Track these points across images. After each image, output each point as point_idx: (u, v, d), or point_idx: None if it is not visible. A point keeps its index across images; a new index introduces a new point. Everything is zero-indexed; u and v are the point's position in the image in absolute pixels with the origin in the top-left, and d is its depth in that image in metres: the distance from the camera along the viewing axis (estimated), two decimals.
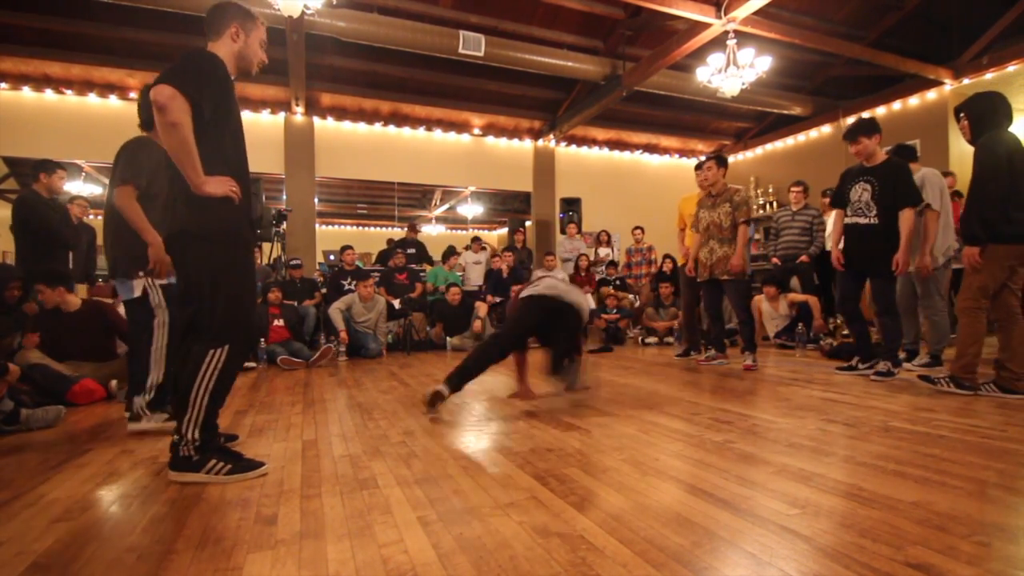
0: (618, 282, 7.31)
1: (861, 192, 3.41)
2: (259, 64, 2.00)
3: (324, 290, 6.25)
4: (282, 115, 8.05)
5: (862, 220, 3.40)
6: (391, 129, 8.79)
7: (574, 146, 10.13)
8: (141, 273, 2.51)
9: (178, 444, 1.77)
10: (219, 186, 1.72)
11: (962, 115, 2.93)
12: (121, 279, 2.57)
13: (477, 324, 6.04)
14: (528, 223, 10.12)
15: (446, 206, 12.70)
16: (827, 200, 5.84)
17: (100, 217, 2.73)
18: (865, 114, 8.42)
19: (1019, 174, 2.70)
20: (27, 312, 3.58)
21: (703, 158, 4.29)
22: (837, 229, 3.65)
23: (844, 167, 3.71)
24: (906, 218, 3.27)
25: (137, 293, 2.54)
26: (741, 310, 4.08)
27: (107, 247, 2.58)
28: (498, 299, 6.52)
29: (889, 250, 3.28)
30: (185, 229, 1.76)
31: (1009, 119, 2.82)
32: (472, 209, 12.43)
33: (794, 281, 5.69)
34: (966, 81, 7.21)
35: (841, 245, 3.61)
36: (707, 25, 5.90)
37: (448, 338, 6.12)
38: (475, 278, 7.49)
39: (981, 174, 2.77)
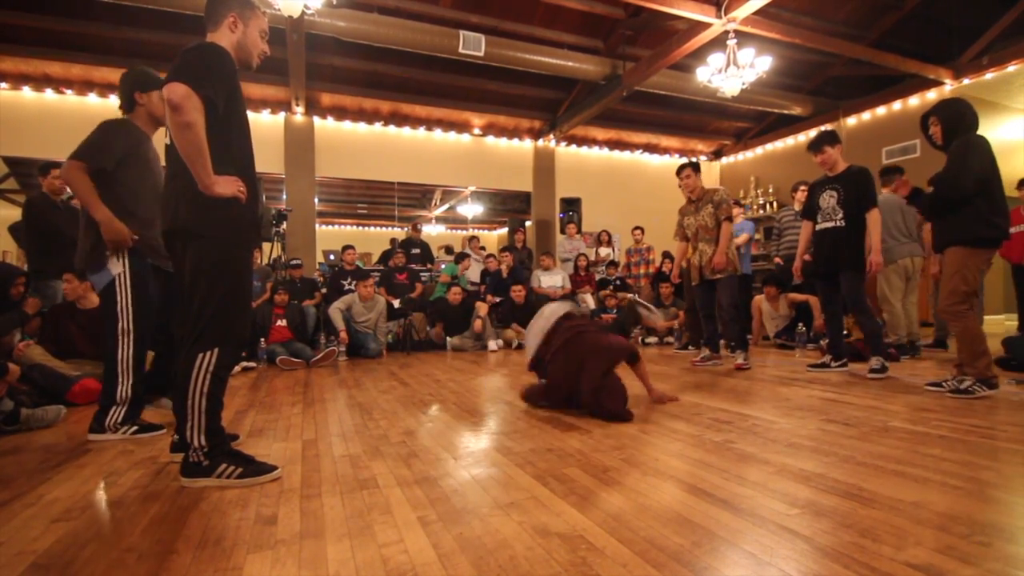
0: (618, 282, 7.31)
1: (828, 199, 3.65)
2: (260, 55, 1.94)
3: (324, 290, 6.25)
4: (282, 115, 8.05)
5: (830, 224, 3.63)
6: (391, 129, 8.79)
7: (574, 146, 10.14)
8: (108, 252, 2.34)
9: (187, 451, 1.75)
10: (228, 186, 1.71)
11: (932, 120, 2.97)
12: (96, 269, 2.40)
13: (478, 324, 6.04)
14: (528, 223, 10.13)
15: (446, 206, 12.71)
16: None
17: None
18: (865, 115, 8.45)
19: (997, 178, 2.79)
20: (27, 310, 3.58)
21: (678, 168, 4.33)
22: (804, 240, 3.90)
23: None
24: (872, 218, 3.49)
25: (116, 270, 2.34)
26: (729, 308, 4.06)
27: (80, 237, 2.42)
28: (498, 299, 6.53)
29: (855, 248, 3.50)
30: (187, 227, 1.73)
31: (977, 123, 2.89)
32: (472, 209, 12.44)
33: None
34: (966, 81, 7.22)
35: (807, 257, 3.95)
36: (707, 25, 5.91)
37: (448, 338, 6.12)
38: (472, 276, 7.50)
39: (984, 174, 2.76)
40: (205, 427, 1.74)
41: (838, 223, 3.58)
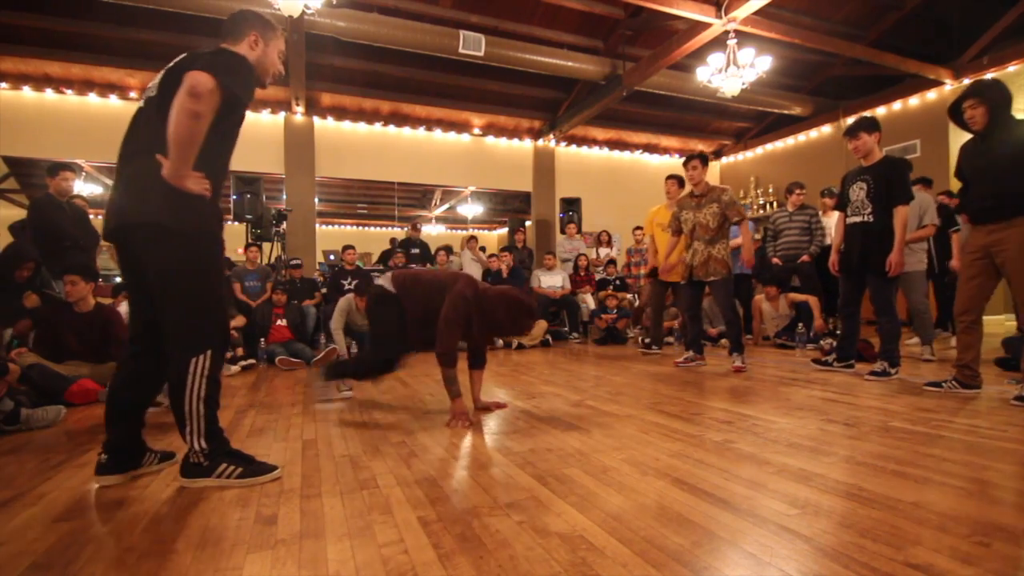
0: (618, 282, 7.31)
1: (858, 191, 3.42)
2: (275, 75, 1.96)
3: (324, 290, 6.25)
4: (282, 115, 8.05)
5: (858, 219, 3.42)
6: (391, 129, 8.79)
7: (574, 146, 10.13)
8: None
9: (187, 453, 1.74)
10: (197, 183, 1.65)
11: (972, 102, 2.79)
12: None
13: None
14: (528, 223, 10.13)
15: (446, 206, 12.71)
16: (827, 200, 5.87)
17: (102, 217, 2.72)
18: (866, 115, 8.44)
19: None
20: (26, 305, 3.57)
21: (685, 157, 4.26)
22: (838, 233, 3.64)
23: (844, 167, 3.71)
24: (899, 216, 3.26)
25: None
26: (728, 310, 4.03)
27: None
28: None
29: (884, 249, 3.27)
30: (160, 222, 1.64)
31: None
32: (472, 209, 12.44)
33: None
34: (966, 81, 7.21)
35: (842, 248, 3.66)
36: (707, 25, 5.91)
37: None
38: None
39: None
40: (205, 430, 1.72)
41: (866, 218, 3.36)
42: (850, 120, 8.62)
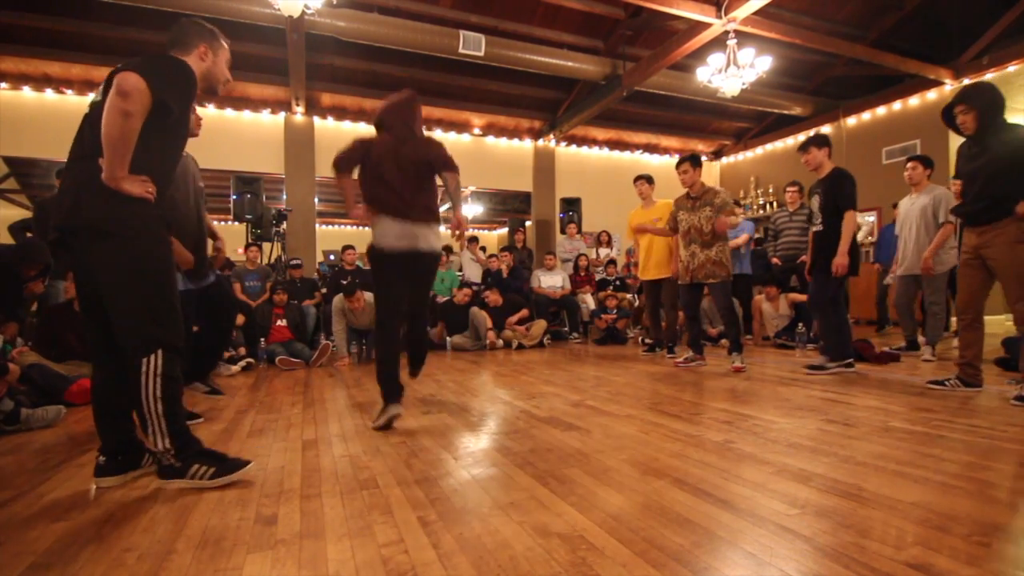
0: (618, 282, 7.31)
1: (815, 202, 3.72)
2: (225, 83, 1.99)
3: (324, 290, 6.25)
4: (282, 115, 8.04)
5: (816, 228, 3.72)
6: None
7: (574, 146, 10.13)
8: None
9: (158, 455, 1.74)
10: (136, 185, 1.64)
11: (962, 108, 2.82)
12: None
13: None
14: (528, 223, 10.12)
15: (446, 206, 12.69)
16: None
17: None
18: (865, 115, 8.45)
19: None
20: (28, 293, 3.55)
21: (678, 158, 4.27)
22: (811, 243, 3.88)
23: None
24: (846, 221, 3.48)
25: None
26: (727, 311, 4.04)
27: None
28: (500, 299, 6.52)
29: (830, 252, 3.52)
30: (96, 225, 1.63)
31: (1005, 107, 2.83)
32: (472, 209, 12.43)
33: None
34: (966, 81, 7.21)
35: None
36: (707, 25, 5.90)
37: (448, 338, 6.12)
38: (473, 276, 7.51)
39: None
40: (167, 430, 1.70)
41: (818, 226, 3.66)
42: (850, 120, 8.64)
